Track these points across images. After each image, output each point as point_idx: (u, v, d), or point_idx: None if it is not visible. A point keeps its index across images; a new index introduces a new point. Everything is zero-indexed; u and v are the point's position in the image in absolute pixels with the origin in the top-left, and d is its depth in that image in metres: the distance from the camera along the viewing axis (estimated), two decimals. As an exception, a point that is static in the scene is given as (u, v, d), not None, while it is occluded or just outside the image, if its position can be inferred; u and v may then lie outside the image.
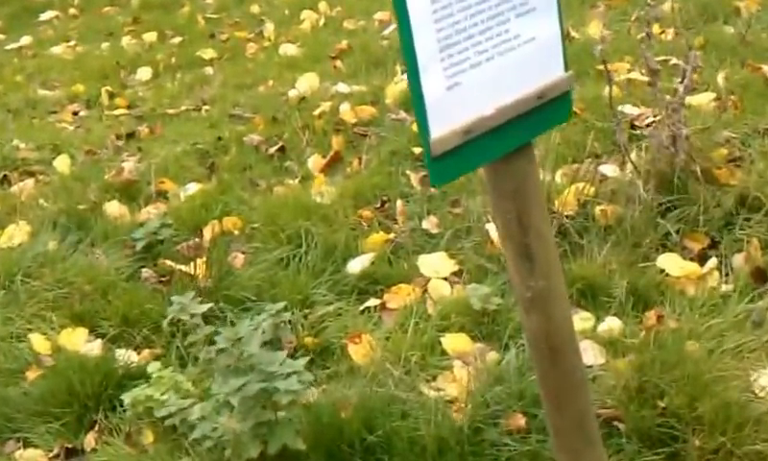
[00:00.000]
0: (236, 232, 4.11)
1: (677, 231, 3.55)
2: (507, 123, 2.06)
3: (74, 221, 4.16)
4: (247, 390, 2.72)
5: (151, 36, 7.02)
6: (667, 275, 3.41)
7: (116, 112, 5.60)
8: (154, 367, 3.24)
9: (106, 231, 4.11)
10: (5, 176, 4.80)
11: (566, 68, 2.15)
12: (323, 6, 7.09)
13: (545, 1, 2.07)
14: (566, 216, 3.65)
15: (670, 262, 3.43)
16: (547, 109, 2.14)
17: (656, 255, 3.50)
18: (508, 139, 2.07)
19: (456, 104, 1.97)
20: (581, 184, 3.75)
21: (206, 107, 5.49)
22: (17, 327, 3.65)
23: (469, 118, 2.00)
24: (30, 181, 4.69)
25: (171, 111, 5.53)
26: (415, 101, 1.92)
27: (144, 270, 3.93)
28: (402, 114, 4.75)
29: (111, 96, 5.88)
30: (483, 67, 2.01)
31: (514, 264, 2.16)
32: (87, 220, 4.20)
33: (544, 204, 2.26)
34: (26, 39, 7.23)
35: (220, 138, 4.98)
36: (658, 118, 3.95)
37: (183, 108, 5.54)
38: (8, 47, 7.12)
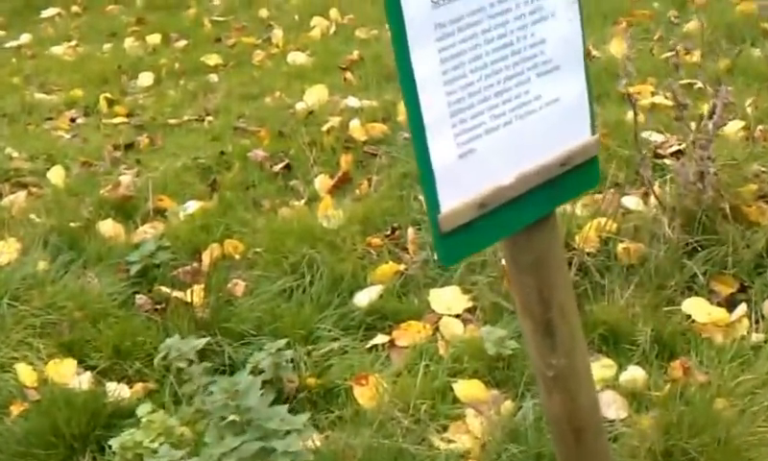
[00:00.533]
0: (237, 257, 3.93)
1: (704, 274, 3.35)
2: (527, 193, 1.86)
3: (66, 239, 3.98)
4: (243, 450, 2.55)
5: (154, 39, 6.80)
6: (694, 321, 3.22)
7: (115, 121, 5.39)
8: (144, 409, 3.07)
9: (99, 252, 3.93)
10: (-5, 188, 4.60)
11: (594, 130, 1.95)
12: (334, 12, 6.86)
13: (571, 57, 1.87)
14: (587, 253, 3.45)
15: (697, 307, 3.24)
16: (572, 176, 1.94)
17: (681, 299, 3.31)
18: (528, 210, 1.88)
19: (470, 173, 1.78)
20: (603, 219, 3.55)
21: (210, 117, 5.29)
22: (2, 355, 3.48)
23: (485, 189, 1.80)
24: (22, 194, 4.49)
25: (172, 121, 5.33)
26: (421, 170, 1.73)
27: (138, 296, 3.76)
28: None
29: (111, 103, 5.67)
30: (500, 132, 1.81)
31: (533, 341, 1.98)
32: (80, 239, 4.02)
33: (568, 276, 2.07)
34: (26, 38, 7.03)
35: (223, 153, 4.77)
36: (683, 147, 3.75)
37: (186, 118, 5.33)
38: (7, 45, 6.94)
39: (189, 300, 3.65)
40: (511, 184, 1.83)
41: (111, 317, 3.71)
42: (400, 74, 1.65)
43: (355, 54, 6.00)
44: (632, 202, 3.76)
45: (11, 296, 3.80)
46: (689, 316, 3.23)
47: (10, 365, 3.48)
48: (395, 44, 1.63)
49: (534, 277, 1.92)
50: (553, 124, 1.88)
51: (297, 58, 6.08)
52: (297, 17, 6.94)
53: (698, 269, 3.35)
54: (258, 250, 3.91)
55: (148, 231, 4.13)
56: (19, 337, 3.61)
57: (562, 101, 1.88)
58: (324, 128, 4.83)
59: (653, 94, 4.64)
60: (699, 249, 3.43)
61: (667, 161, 3.89)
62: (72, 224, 4.08)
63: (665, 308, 3.28)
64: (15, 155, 4.87)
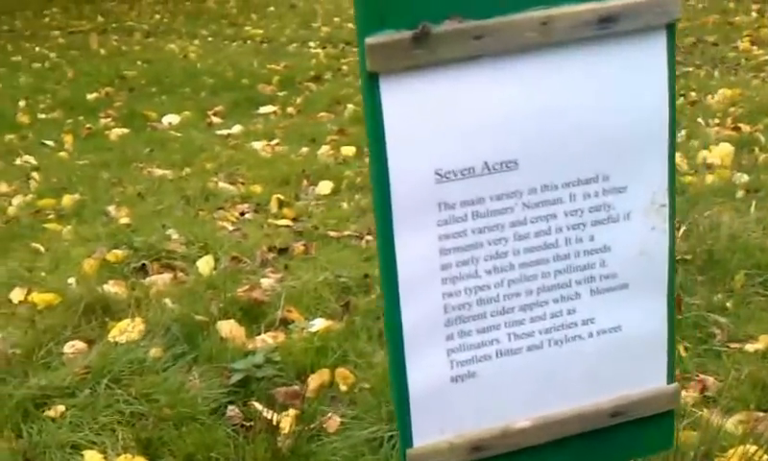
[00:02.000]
0: (344, 388, 3.56)
1: None
2: (553, 444, 1.35)
3: (185, 332, 3.82)
4: None
5: (348, 150, 6.73)
6: None
7: (280, 222, 5.27)
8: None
9: (211, 352, 3.72)
10: (143, 265, 4.60)
11: (671, 377, 1.40)
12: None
13: (648, 277, 1.34)
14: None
15: None
16: (630, 432, 1.39)
17: None
18: (552, 469, 1.35)
19: (464, 404, 1.30)
20: (752, 448, 2.77)
21: (369, 237, 5.02)
22: (82, 437, 3.34)
23: (485, 428, 1.31)
24: (167, 276, 4.43)
25: (332, 234, 5.11)
26: (393, 383, 1.29)
27: (231, 407, 3.49)
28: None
29: (282, 204, 5.59)
30: (521, 358, 1.32)
31: None
32: (197, 334, 3.86)
33: None
34: (236, 128, 7.25)
35: (366, 276, 4.46)
36: None
37: (347, 232, 5.11)
38: (218, 132, 7.20)
39: (275, 425, 3.33)
40: (526, 429, 1.33)
41: (198, 422, 3.48)
42: (381, 257, 1.24)
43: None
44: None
45: (112, 377, 3.70)
46: None
47: (85, 448, 3.33)
48: (376, 216, 1.23)
49: None
50: (607, 360, 1.35)
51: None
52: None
53: None
54: (366, 386, 3.52)
55: (267, 340, 3.89)
56: (106, 421, 3.48)
57: (625, 331, 1.36)
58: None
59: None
60: None
61: None
62: (197, 316, 3.94)
63: None
64: (175, 237, 4.87)
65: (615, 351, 1.36)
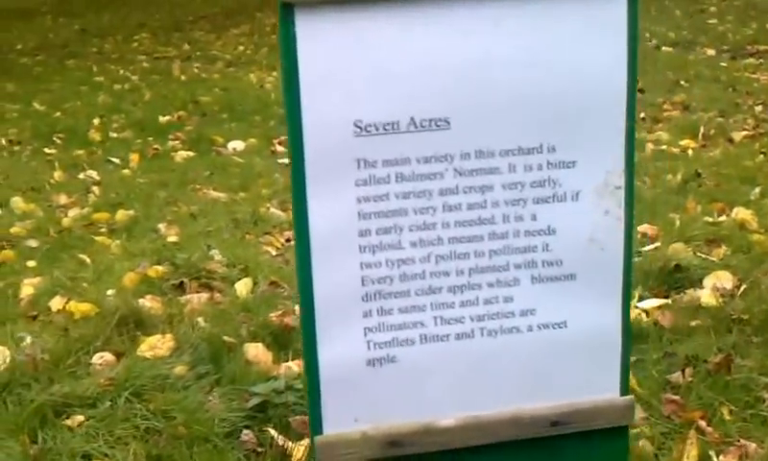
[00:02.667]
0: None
1: None
2: (483, 451, 1.19)
3: (211, 351, 3.76)
4: None
5: None
6: None
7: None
8: None
9: (234, 374, 3.65)
10: (182, 282, 4.57)
11: (625, 389, 1.23)
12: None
13: (599, 269, 1.19)
14: None
15: None
16: (575, 445, 1.22)
17: None
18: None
19: (381, 391, 1.16)
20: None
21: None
22: (95, 448, 3.31)
23: (403, 422, 1.17)
24: (204, 296, 4.40)
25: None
26: (306, 364, 1.16)
27: (245, 432, 3.40)
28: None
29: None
30: (447, 346, 1.18)
31: None
32: (223, 355, 3.80)
33: None
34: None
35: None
36: None
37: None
38: (280, 160, 7.20)
39: (288, 454, 3.24)
40: (451, 428, 1.17)
41: (211, 444, 3.41)
42: (294, 219, 1.12)
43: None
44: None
45: (134, 391, 3.66)
46: None
47: (96, 459, 3.29)
48: (292, 175, 1.11)
49: None
50: (548, 359, 1.19)
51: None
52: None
53: None
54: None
55: (292, 367, 3.78)
56: (121, 434, 3.44)
57: (571, 329, 1.20)
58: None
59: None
60: None
61: None
62: (225, 338, 3.89)
63: None
64: (218, 257, 4.85)
65: (559, 350, 1.20)
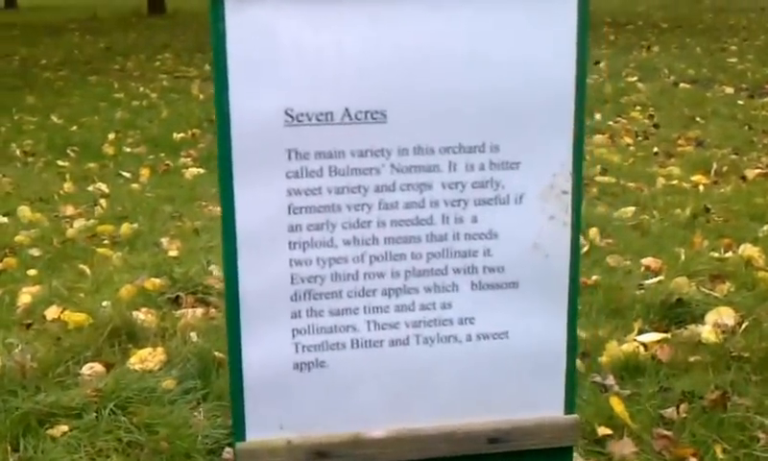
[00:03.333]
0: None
1: None
2: (412, 465, 1.12)
3: (200, 366, 3.70)
4: None
5: None
6: None
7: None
8: None
9: (221, 390, 3.57)
10: (178, 296, 4.53)
11: (570, 407, 1.15)
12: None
13: (544, 278, 1.12)
14: None
15: None
16: (513, 466, 1.15)
17: None
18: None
19: (308, 398, 1.10)
20: None
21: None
22: (75, 459, 3.25)
23: (332, 432, 1.10)
24: (199, 311, 4.35)
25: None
26: (230, 369, 1.10)
27: (227, 449, 3.31)
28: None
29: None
30: (381, 352, 1.11)
31: None
32: (212, 371, 3.73)
33: None
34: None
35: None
36: None
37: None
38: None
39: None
40: (382, 440, 1.10)
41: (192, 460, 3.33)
42: (222, 211, 1.07)
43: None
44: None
45: (118, 403, 3.61)
46: None
47: (75, 473, 3.23)
48: (219, 164, 1.06)
49: None
50: (487, 371, 1.12)
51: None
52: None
53: None
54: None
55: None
56: (103, 446, 3.38)
57: (513, 340, 1.13)
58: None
59: None
60: None
61: None
62: (216, 353, 3.82)
63: None
64: (216, 273, 4.79)
65: (499, 362, 1.13)
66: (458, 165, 1.10)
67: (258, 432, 1.09)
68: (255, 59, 1.04)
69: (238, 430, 1.08)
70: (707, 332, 2.50)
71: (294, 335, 1.10)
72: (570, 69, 1.09)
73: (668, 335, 2.53)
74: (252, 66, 1.04)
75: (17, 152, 6.26)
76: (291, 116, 1.06)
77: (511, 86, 1.09)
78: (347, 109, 1.07)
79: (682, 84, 7.33)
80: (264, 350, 1.09)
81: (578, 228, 1.12)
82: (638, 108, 6.52)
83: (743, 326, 2.75)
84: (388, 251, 1.10)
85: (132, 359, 3.88)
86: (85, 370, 3.56)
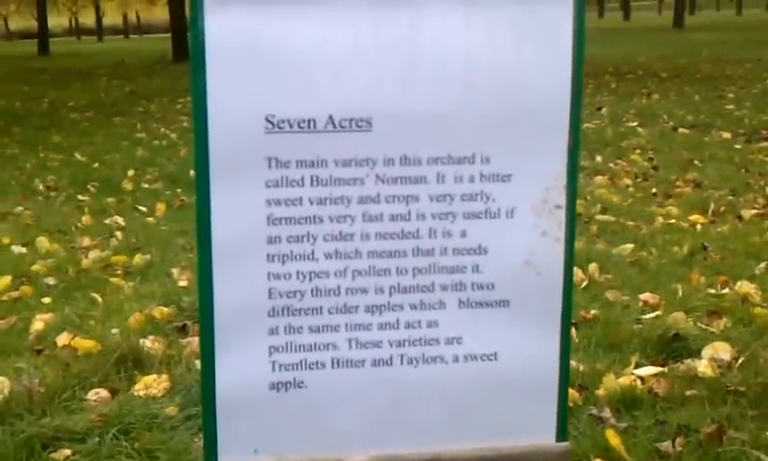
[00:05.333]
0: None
1: None
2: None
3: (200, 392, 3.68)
4: None
5: None
6: None
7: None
8: None
9: (222, 415, 3.56)
10: (185, 325, 4.53)
11: (562, 434, 1.09)
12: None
13: (536, 298, 1.06)
14: None
15: None
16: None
17: None
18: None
19: (285, 420, 1.04)
20: None
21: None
22: None
23: (310, 456, 1.04)
24: (205, 340, 4.37)
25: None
26: (203, 388, 1.04)
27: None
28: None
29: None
30: (364, 373, 1.05)
31: None
32: (212, 396, 3.71)
33: None
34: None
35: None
36: None
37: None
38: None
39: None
40: (362, 467, 1.04)
41: (188, 490, 3.29)
42: (196, 220, 1.02)
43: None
44: None
45: (121, 428, 3.59)
46: None
47: (77, 497, 3.20)
48: (195, 170, 1.01)
49: None
50: (475, 395, 1.06)
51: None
52: None
53: None
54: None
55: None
56: (104, 471, 3.36)
57: (502, 363, 1.07)
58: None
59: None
60: None
61: None
62: (220, 379, 3.82)
63: None
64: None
65: (487, 385, 1.06)
66: (446, 177, 1.05)
67: (231, 456, 1.03)
68: (235, 61, 1.00)
69: (210, 454, 1.02)
70: (703, 367, 2.50)
71: (271, 353, 1.04)
72: (566, 78, 1.05)
73: (665, 369, 2.52)
74: (232, 69, 0.99)
75: (40, 186, 6.35)
76: (272, 123, 1.01)
77: (503, 95, 1.05)
78: (330, 117, 1.02)
79: (680, 130, 7.38)
80: (239, 368, 1.03)
81: (572, 244, 1.06)
82: (638, 151, 6.55)
83: (739, 361, 2.74)
84: (372, 265, 1.05)
85: (138, 386, 3.86)
86: (91, 395, 3.54)
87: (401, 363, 1.06)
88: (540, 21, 1.04)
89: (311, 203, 1.03)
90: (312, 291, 1.04)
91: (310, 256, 1.03)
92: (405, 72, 1.03)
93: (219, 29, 0.99)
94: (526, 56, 1.05)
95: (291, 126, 1.01)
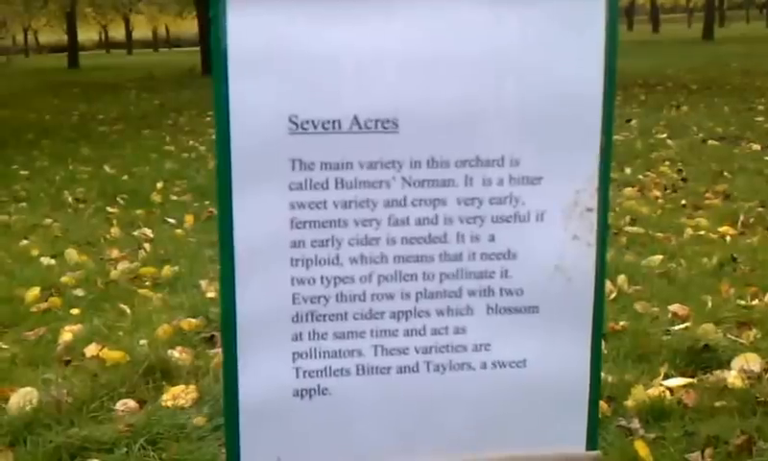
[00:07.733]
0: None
1: None
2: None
3: (229, 401, 3.69)
4: None
5: None
6: None
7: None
8: None
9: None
10: (212, 336, 4.54)
11: (592, 442, 1.06)
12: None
13: (569, 305, 1.03)
14: None
15: None
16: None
17: None
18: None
19: (309, 427, 1.02)
20: None
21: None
22: None
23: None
24: (236, 350, 4.40)
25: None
26: (225, 396, 1.02)
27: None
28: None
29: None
30: (389, 380, 1.03)
31: None
32: (239, 405, 3.72)
33: None
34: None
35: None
36: None
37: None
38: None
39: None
40: (387, 478, 1.02)
41: (213, 500, 3.29)
42: (218, 225, 1.00)
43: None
44: None
45: (149, 439, 3.59)
46: None
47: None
48: (217, 174, 1.00)
49: None
50: (504, 402, 1.04)
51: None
52: None
53: None
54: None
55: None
56: (130, 481, 3.37)
57: (531, 370, 1.04)
58: None
59: None
60: None
61: None
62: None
63: None
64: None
65: (516, 393, 1.04)
66: (474, 180, 1.02)
67: (253, 463, 1.00)
68: (258, 61, 0.98)
69: (232, 458, 1.00)
70: (732, 378, 2.48)
71: (294, 359, 1.02)
72: (598, 77, 1.02)
73: (694, 380, 2.51)
74: (255, 69, 0.98)
75: (69, 199, 6.41)
76: (295, 124, 0.99)
77: (533, 95, 1.02)
78: (355, 117, 1.00)
79: (710, 141, 7.33)
80: (262, 374, 1.01)
81: (603, 249, 1.03)
82: (667, 163, 6.50)
83: (773, 370, 2.72)
84: (398, 270, 1.02)
85: (165, 396, 3.86)
86: (119, 406, 3.55)
87: (428, 370, 1.03)
88: (571, 18, 1.02)
89: (336, 206, 1.01)
90: (337, 296, 1.01)
91: (335, 261, 1.01)
92: (433, 71, 1.01)
93: (241, 28, 0.97)
94: (557, 54, 1.02)
95: (315, 127, 0.99)
